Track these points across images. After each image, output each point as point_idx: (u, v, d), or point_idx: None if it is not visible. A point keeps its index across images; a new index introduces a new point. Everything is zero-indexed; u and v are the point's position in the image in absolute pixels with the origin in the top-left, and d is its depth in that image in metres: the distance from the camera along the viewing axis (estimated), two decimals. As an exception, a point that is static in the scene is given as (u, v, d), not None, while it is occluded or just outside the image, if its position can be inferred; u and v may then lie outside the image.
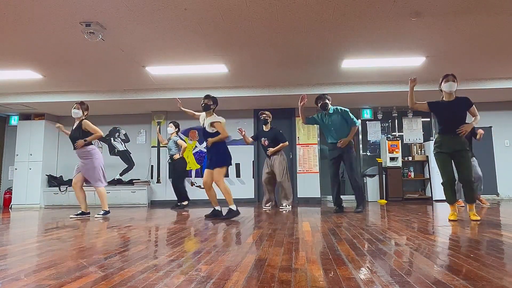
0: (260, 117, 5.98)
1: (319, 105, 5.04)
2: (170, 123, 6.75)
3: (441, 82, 3.87)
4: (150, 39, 4.61)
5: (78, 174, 5.03)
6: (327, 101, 5.01)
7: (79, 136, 4.90)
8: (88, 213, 5.07)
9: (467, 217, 4.04)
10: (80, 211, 5.00)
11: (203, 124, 4.51)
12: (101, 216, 4.93)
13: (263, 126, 5.97)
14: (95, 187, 5.02)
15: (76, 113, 4.95)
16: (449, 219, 3.84)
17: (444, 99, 3.91)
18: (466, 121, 3.86)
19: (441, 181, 3.93)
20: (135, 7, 3.78)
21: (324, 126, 5.11)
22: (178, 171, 6.68)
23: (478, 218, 3.75)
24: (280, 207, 5.83)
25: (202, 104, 4.46)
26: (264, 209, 5.76)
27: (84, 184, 5.07)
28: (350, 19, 4.14)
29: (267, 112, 5.93)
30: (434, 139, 4.06)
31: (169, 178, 7.06)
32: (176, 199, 6.73)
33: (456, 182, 3.92)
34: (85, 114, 5.04)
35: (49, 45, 4.73)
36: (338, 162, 5.05)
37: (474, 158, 5.50)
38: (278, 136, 5.86)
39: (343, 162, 5.02)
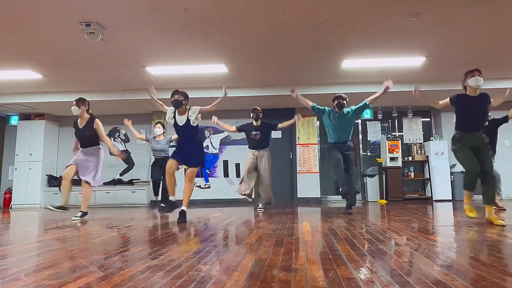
0: (252, 113, 5.65)
1: (335, 102, 4.97)
2: (157, 123, 6.38)
3: (466, 78, 3.65)
4: (150, 39, 4.61)
5: (73, 166, 4.67)
6: (344, 101, 4.96)
7: (91, 134, 4.70)
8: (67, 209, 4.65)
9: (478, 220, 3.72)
10: (59, 205, 4.57)
11: (177, 120, 4.26)
12: (79, 218, 4.61)
13: (254, 121, 5.69)
14: (85, 185, 4.67)
15: (74, 109, 4.63)
16: (468, 215, 3.58)
17: (468, 94, 3.68)
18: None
19: (464, 170, 3.62)
20: (135, 7, 3.78)
21: (332, 124, 5.00)
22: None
23: (503, 222, 3.34)
24: (258, 209, 5.66)
25: (172, 100, 4.18)
26: (259, 210, 5.55)
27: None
28: (350, 19, 4.14)
29: (258, 108, 5.69)
30: (452, 135, 3.83)
31: (161, 178, 6.71)
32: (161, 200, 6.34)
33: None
34: (85, 109, 4.73)
35: (49, 45, 4.73)
36: (341, 159, 4.97)
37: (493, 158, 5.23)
38: (273, 126, 5.66)
39: (343, 159, 4.94)
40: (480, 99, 3.66)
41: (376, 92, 4.83)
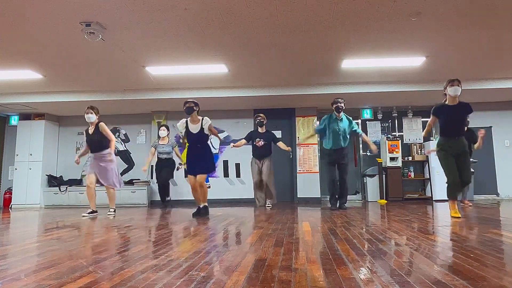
0: (256, 119, 6.12)
1: (334, 106, 5.35)
2: (161, 126, 6.89)
3: (446, 86, 4.08)
4: (150, 39, 4.61)
5: (92, 174, 5.15)
6: (342, 104, 5.35)
7: (99, 138, 5.11)
8: (97, 211, 5.26)
9: (470, 214, 4.05)
10: (91, 210, 5.16)
11: (190, 129, 4.71)
12: (113, 213, 5.23)
13: (258, 127, 6.11)
14: (109, 187, 5.23)
15: (90, 117, 5.08)
16: (452, 216, 4.04)
17: (447, 102, 4.13)
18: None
19: (446, 180, 4.14)
20: (135, 7, 3.78)
21: (331, 129, 5.35)
22: (172, 169, 7.00)
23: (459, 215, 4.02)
24: (267, 206, 6.14)
25: (185, 107, 4.65)
26: (268, 207, 6.00)
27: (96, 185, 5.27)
28: (350, 19, 4.14)
29: (262, 115, 6.11)
30: (436, 141, 4.35)
31: (160, 177, 7.00)
32: (160, 198, 7.07)
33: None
34: (98, 116, 5.19)
35: (49, 45, 4.73)
36: (335, 167, 5.51)
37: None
38: (275, 138, 6.08)
39: (338, 167, 5.46)
40: (458, 107, 4.09)
41: (365, 137, 5.59)
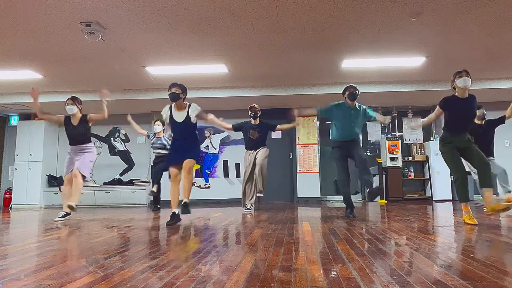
0: (250, 111, 5.54)
1: (347, 93, 4.50)
2: (156, 120, 6.31)
3: (454, 79, 3.67)
4: (150, 39, 4.61)
5: (70, 174, 4.73)
6: (357, 91, 4.53)
7: (84, 132, 4.80)
8: (70, 213, 4.58)
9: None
10: (65, 213, 4.51)
11: (174, 116, 4.03)
12: (69, 213, 4.53)
13: (252, 119, 5.57)
14: (76, 175, 4.59)
15: (71, 109, 4.69)
16: (466, 222, 3.46)
17: (457, 95, 3.71)
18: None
19: (453, 178, 3.67)
20: (135, 7, 3.78)
21: (342, 119, 4.49)
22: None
23: (501, 207, 3.38)
24: (245, 210, 5.42)
25: (169, 93, 3.95)
26: (246, 212, 5.31)
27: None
28: (350, 19, 4.14)
29: (257, 106, 5.56)
30: (440, 136, 3.87)
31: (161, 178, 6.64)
32: (155, 200, 6.29)
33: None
34: (80, 108, 4.81)
35: (49, 45, 4.73)
36: (347, 159, 4.60)
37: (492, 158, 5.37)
38: (272, 126, 5.57)
39: (352, 156, 4.52)
40: (469, 100, 3.70)
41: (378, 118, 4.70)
